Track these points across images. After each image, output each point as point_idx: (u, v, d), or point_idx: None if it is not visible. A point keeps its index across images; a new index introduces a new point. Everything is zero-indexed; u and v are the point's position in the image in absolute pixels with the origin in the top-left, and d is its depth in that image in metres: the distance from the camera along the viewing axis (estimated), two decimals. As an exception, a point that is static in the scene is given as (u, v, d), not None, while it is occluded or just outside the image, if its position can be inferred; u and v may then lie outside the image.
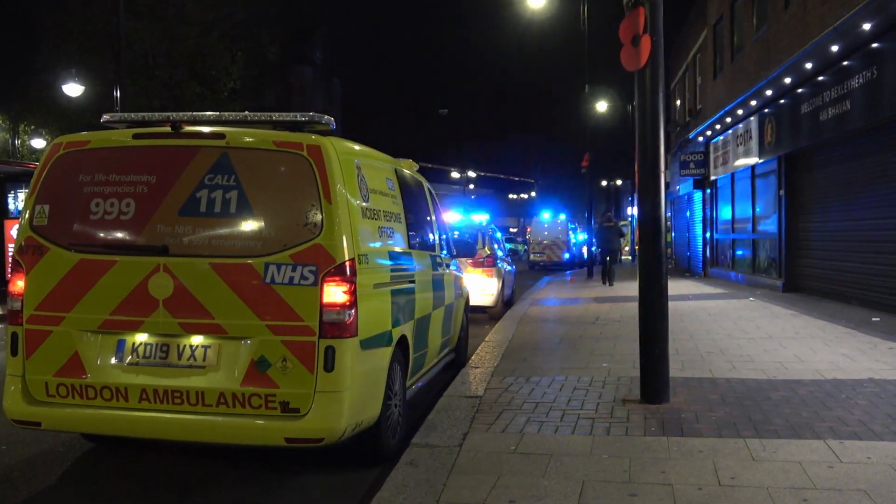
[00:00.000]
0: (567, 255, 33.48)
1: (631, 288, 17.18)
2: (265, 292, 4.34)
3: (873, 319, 10.58)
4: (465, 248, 8.45)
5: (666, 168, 29.21)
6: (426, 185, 7.33)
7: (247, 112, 4.70)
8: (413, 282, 5.67)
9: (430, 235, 6.95)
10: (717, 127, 20.60)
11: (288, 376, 4.32)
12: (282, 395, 4.31)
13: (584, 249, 35.07)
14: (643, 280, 5.82)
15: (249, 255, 4.41)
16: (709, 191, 22.92)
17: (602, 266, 21.58)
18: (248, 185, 4.47)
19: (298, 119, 4.64)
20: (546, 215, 36.80)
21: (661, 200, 5.81)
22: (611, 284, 20.91)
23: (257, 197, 4.47)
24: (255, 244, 4.42)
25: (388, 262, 5.13)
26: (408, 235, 5.77)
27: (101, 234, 4.46)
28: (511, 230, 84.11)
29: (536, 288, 19.38)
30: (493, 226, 15.02)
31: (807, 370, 7.08)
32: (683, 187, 26.04)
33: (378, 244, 5.00)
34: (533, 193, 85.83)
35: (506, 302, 14.01)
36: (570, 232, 34.80)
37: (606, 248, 21.25)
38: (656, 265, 5.77)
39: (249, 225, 4.46)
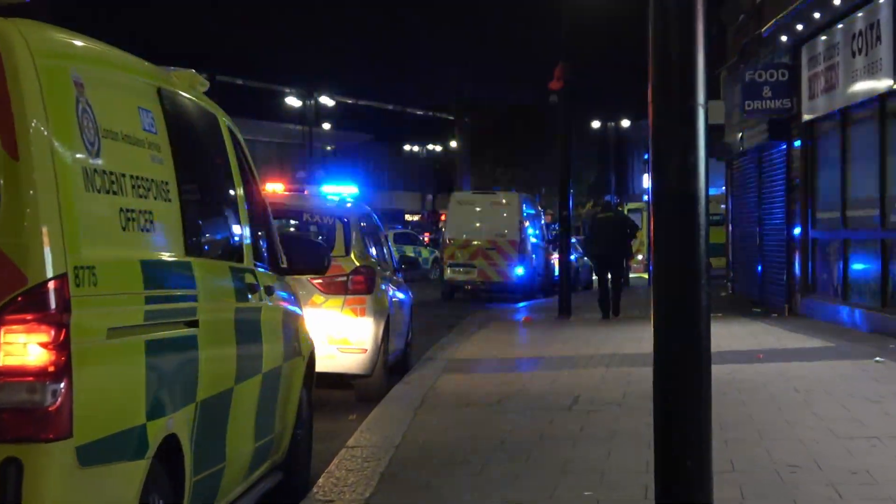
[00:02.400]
0: (520, 270, 34.20)
1: (643, 335, 17.49)
2: None
3: None
4: (309, 254, 8.58)
5: (715, 98, 29.61)
6: (227, 123, 7.40)
7: None
8: (195, 325, 5.82)
9: (235, 228, 7.11)
10: (816, 16, 21.25)
11: None
12: None
13: (554, 258, 35.46)
14: (661, 322, 5.95)
15: None
16: (799, 143, 23.62)
17: (600, 288, 21.86)
18: None
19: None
20: (478, 192, 37.06)
21: (698, 162, 5.90)
22: (615, 314, 21.26)
23: None
24: None
25: (142, 284, 5.25)
26: (185, 228, 5.92)
27: None
28: (408, 218, 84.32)
29: (457, 336, 19.56)
30: (367, 209, 15.21)
31: (981, 501, 7.32)
32: (751, 137, 26.84)
33: (120, 246, 5.13)
34: (453, 144, 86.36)
35: (392, 364, 14.22)
36: (527, 222, 35.44)
37: (606, 256, 21.81)
38: (688, 291, 5.89)
39: None
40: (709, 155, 5.96)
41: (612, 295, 21.76)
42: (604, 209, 22.83)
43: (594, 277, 26.55)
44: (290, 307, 8.27)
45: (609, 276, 21.89)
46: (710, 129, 6.02)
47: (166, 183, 5.70)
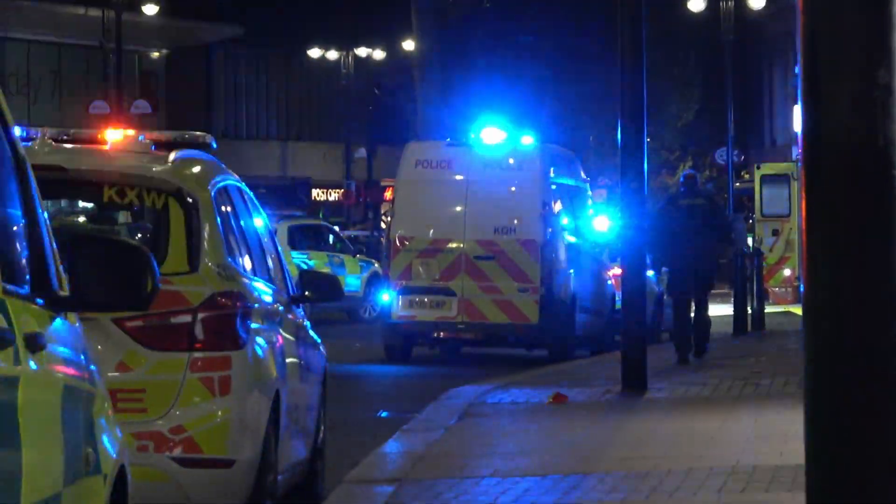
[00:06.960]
0: (544, 300, 23.43)
1: (790, 427, 12.11)
2: None
3: None
4: (115, 270, 6.59)
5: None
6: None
7: None
8: None
9: None
10: None
11: None
12: None
13: (612, 276, 25.42)
14: (821, 401, 4.83)
15: None
16: None
17: (676, 317, 19.35)
18: None
19: None
20: (458, 144, 24.82)
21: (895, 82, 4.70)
22: (698, 354, 19.21)
23: None
24: None
25: None
26: None
27: None
28: (318, 196, 65.38)
29: (416, 434, 15.24)
30: (234, 178, 11.19)
31: None
32: None
33: None
34: (409, 46, 50.02)
35: (285, 490, 10.84)
36: (558, 204, 24.88)
37: (688, 266, 18.94)
38: (873, 341, 4.68)
39: None
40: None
41: (696, 328, 18.79)
42: (686, 191, 18.56)
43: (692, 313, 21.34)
44: (78, 376, 6.53)
45: (693, 298, 18.74)
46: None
47: None
